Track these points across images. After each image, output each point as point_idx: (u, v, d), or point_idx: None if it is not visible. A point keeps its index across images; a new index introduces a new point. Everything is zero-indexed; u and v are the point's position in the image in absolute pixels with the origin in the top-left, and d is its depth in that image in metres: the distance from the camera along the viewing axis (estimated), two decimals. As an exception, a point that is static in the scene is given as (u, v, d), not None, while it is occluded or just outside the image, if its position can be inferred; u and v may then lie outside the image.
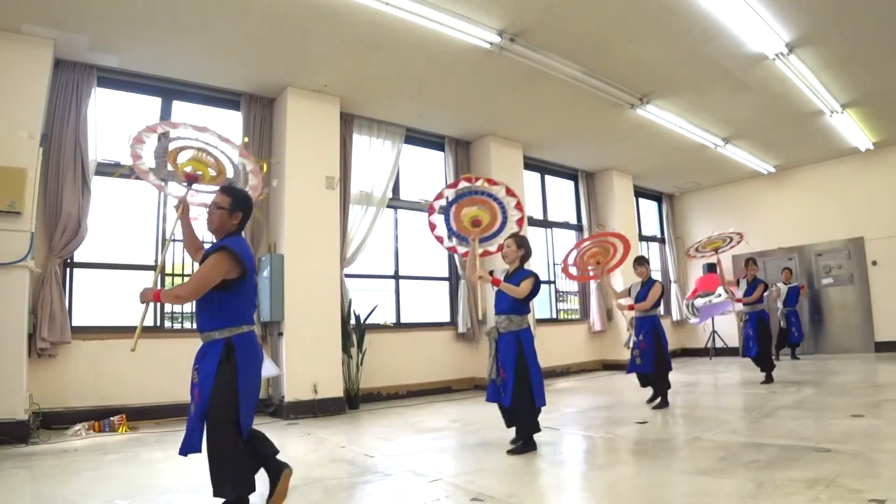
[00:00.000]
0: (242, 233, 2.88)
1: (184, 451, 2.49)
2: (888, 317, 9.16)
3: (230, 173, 3.42)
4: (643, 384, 5.70)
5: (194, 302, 2.62)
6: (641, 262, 5.81)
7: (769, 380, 6.59)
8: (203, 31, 5.01)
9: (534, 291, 3.93)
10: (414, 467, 3.46)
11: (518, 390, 3.77)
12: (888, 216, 9.15)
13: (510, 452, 3.73)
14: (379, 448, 4.09)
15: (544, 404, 3.86)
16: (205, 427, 2.47)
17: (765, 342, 6.73)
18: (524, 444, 3.80)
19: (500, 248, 4.29)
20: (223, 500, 2.47)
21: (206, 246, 2.92)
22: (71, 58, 5.22)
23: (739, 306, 7.16)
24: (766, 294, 7.09)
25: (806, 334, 9.77)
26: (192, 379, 2.56)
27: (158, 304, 5.73)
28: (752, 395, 5.87)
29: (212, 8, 4.66)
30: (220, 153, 3.31)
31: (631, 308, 5.70)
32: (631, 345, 5.67)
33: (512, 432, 3.92)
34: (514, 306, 3.91)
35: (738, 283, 7.36)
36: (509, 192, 4.40)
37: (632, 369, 5.64)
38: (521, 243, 4.13)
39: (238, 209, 2.76)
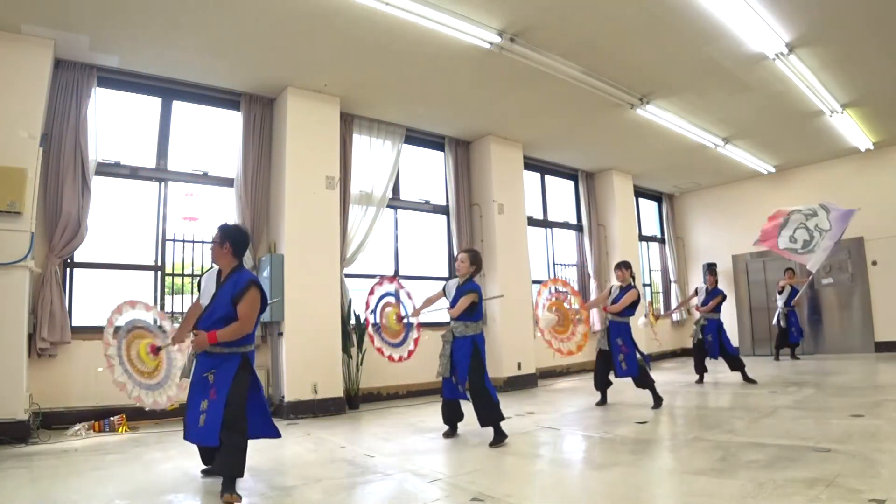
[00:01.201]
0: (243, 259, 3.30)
1: (204, 440, 2.95)
2: (888, 317, 9.15)
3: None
4: (639, 385, 5.67)
5: (212, 322, 3.05)
6: (620, 266, 5.89)
7: (748, 379, 6.80)
8: (203, 31, 5.01)
9: (474, 304, 4.36)
10: (414, 467, 3.46)
11: (473, 386, 4.22)
12: (888, 216, 9.14)
13: (493, 445, 4.02)
14: (379, 448, 4.09)
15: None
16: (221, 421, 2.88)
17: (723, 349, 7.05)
18: (497, 435, 4.09)
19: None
20: (232, 476, 2.86)
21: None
22: (71, 58, 5.22)
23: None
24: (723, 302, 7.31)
25: (805, 334, 9.77)
26: (208, 379, 2.99)
27: (159, 306, 5.73)
28: (752, 395, 5.88)
29: (212, 8, 4.66)
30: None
31: (605, 310, 5.82)
32: (605, 346, 5.77)
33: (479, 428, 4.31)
34: (467, 315, 4.35)
35: (696, 291, 7.57)
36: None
37: (620, 374, 5.63)
38: (474, 260, 4.52)
39: (226, 240, 3.16)
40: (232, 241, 3.15)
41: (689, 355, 11.17)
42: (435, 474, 3.27)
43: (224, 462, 2.90)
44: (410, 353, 4.92)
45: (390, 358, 4.83)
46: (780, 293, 9.41)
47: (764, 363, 9.02)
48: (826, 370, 7.56)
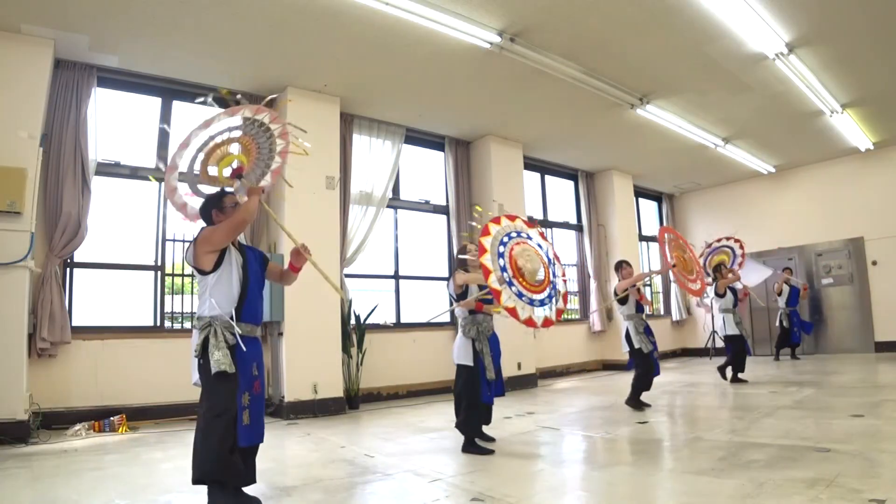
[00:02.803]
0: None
1: (258, 438, 2.73)
2: (888, 317, 9.15)
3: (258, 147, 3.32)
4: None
5: (252, 293, 2.90)
6: (619, 266, 5.75)
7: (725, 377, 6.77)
8: (203, 31, 5.01)
9: None
10: (414, 467, 3.46)
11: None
12: (888, 216, 9.15)
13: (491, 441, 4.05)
14: (379, 448, 4.09)
15: None
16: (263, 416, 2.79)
17: None
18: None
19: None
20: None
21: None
22: (71, 58, 5.22)
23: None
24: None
25: (807, 334, 9.76)
26: (252, 372, 2.75)
27: (159, 306, 5.74)
28: (752, 395, 5.88)
29: (212, 8, 4.66)
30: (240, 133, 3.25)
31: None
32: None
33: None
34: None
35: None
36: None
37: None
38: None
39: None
40: None
41: (689, 355, 11.28)
42: (435, 474, 3.27)
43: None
44: (560, 312, 3.80)
45: (528, 322, 3.36)
46: (780, 294, 9.41)
47: (764, 363, 9.03)
48: (826, 370, 7.56)
